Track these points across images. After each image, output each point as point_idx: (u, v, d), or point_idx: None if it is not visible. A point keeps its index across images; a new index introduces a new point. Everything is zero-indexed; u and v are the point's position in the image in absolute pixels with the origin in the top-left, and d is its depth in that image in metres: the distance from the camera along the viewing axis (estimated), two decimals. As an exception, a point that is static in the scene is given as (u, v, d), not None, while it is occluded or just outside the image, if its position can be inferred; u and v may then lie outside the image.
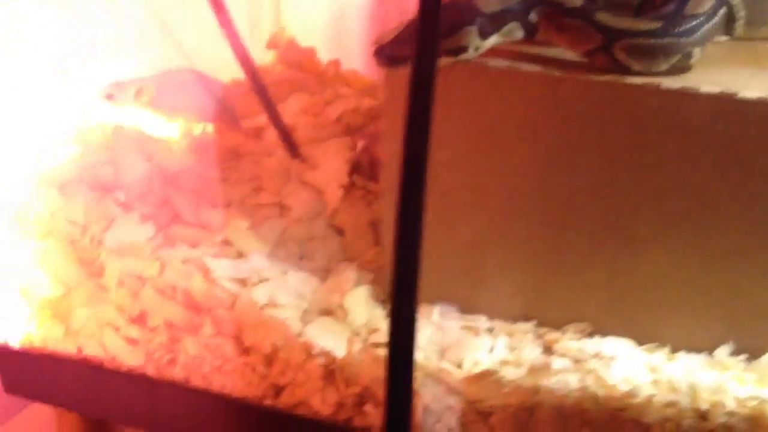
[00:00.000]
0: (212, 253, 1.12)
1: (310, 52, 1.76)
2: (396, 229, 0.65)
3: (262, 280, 1.10)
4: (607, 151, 0.95)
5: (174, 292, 1.08)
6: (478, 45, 0.94)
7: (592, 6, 0.94)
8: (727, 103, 0.87)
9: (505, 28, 0.95)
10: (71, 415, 1.35)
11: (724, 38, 1.02)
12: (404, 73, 1.03)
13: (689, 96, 0.88)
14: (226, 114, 1.41)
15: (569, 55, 0.97)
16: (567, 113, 0.95)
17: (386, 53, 0.96)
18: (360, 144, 1.33)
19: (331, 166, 1.28)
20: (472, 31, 0.93)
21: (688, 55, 0.92)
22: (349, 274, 1.14)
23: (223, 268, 1.08)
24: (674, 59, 0.91)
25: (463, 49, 0.94)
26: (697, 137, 0.90)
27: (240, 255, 1.15)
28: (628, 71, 0.92)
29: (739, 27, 1.00)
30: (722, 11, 0.96)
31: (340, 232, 1.22)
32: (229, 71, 1.66)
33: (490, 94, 0.98)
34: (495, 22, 0.94)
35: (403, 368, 0.66)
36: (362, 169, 1.30)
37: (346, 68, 1.75)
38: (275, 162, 1.32)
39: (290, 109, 1.53)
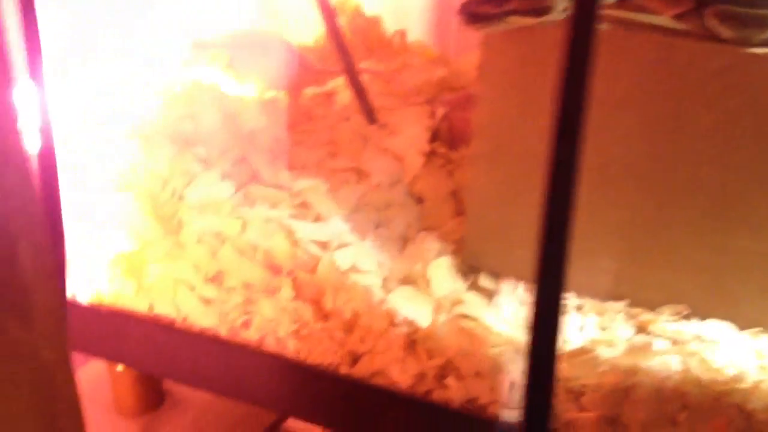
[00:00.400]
0: (292, 215, 1.08)
1: (376, 21, 1.73)
2: (546, 206, 0.61)
3: (343, 245, 1.07)
4: (722, 121, 0.90)
5: (254, 252, 1.04)
6: (566, 5, 0.89)
7: None
8: None
9: None
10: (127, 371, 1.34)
11: None
12: (502, 35, 1.01)
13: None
14: (301, 76, 1.38)
15: (658, 20, 0.92)
16: (682, 80, 0.90)
17: (470, 11, 0.92)
18: (440, 112, 1.29)
19: (410, 133, 1.24)
20: None
21: None
22: (431, 243, 1.11)
23: (305, 230, 1.05)
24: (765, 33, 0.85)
25: (547, 10, 0.89)
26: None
27: (318, 218, 1.12)
28: (717, 38, 0.87)
29: None
30: None
31: (419, 200, 1.18)
32: (304, 35, 1.64)
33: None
34: None
35: (544, 361, 0.62)
36: (442, 137, 1.26)
37: (411, 40, 1.72)
38: (352, 127, 1.28)
39: (361, 77, 1.49)
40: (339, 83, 1.42)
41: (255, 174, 1.14)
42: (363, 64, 1.54)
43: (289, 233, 1.04)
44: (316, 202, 1.12)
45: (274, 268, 1.04)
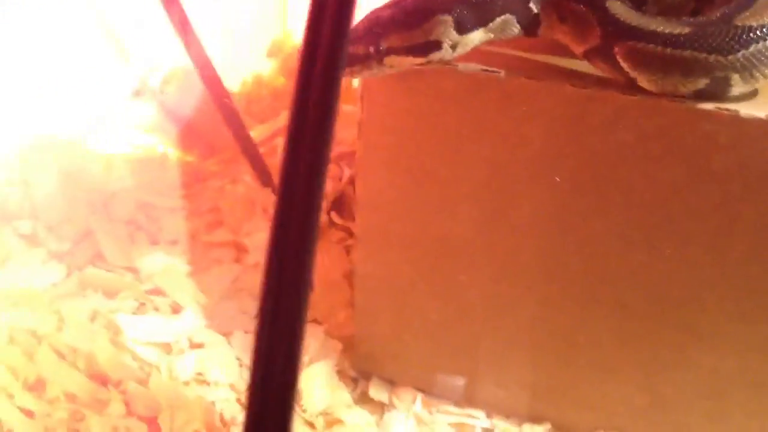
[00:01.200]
0: (134, 307, 0.86)
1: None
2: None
3: (193, 346, 0.84)
4: (655, 198, 0.67)
5: (75, 355, 0.82)
6: (456, 41, 0.68)
7: None
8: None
9: (496, 21, 0.68)
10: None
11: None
12: (381, 82, 0.79)
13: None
14: (200, 132, 1.17)
15: (570, 63, 0.70)
16: (603, 142, 0.68)
17: None
18: (346, 173, 1.08)
19: (305, 199, 1.02)
20: (446, 21, 0.67)
21: (724, 81, 0.62)
22: (313, 341, 0.89)
23: (140, 329, 0.83)
24: (700, 83, 0.62)
25: (435, 46, 0.68)
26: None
27: (176, 309, 0.90)
28: (632, 85, 0.65)
29: None
30: None
31: (307, 284, 0.96)
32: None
33: (482, 113, 0.71)
34: (481, 11, 0.68)
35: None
36: (345, 205, 1.04)
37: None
38: (241, 191, 1.07)
39: (281, 126, 1.29)
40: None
41: (100, 252, 0.93)
42: (287, 113, 1.33)
43: (116, 333, 0.82)
44: (171, 289, 0.90)
45: (101, 378, 0.82)
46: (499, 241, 0.76)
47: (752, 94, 0.65)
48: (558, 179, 0.71)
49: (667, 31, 0.63)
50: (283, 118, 1.32)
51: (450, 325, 0.82)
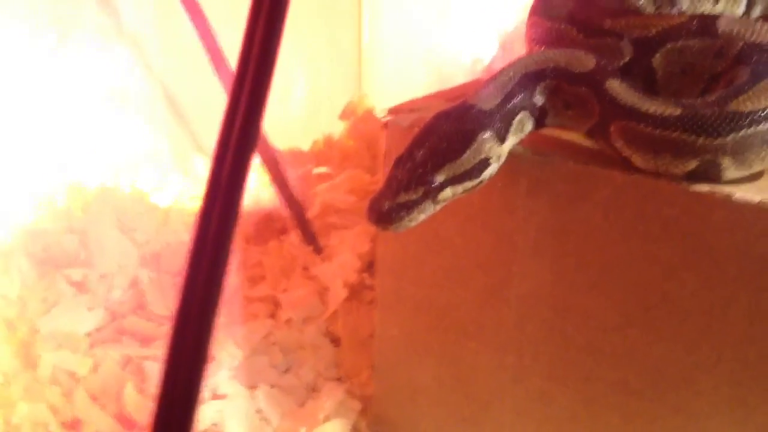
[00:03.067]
0: (166, 355, 0.91)
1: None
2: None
3: (215, 397, 0.88)
4: (654, 276, 0.67)
5: (106, 398, 0.87)
6: (499, 153, 0.68)
7: (608, 69, 0.68)
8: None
9: (515, 122, 0.68)
10: None
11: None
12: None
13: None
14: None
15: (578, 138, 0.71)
16: (598, 217, 0.68)
17: (377, 214, 0.66)
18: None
19: (341, 259, 1.06)
20: (488, 137, 0.66)
21: (713, 164, 0.62)
22: (336, 397, 0.91)
23: (167, 376, 0.87)
24: (690, 164, 0.62)
25: (485, 164, 0.66)
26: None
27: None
28: (628, 164, 0.65)
29: None
30: None
31: (336, 342, 0.99)
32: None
33: (491, 184, 0.73)
34: (506, 118, 0.68)
35: None
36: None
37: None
38: (285, 248, 1.11)
39: (341, 188, 1.33)
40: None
41: (143, 302, 0.98)
42: (347, 174, 1.38)
43: (143, 379, 0.86)
44: (205, 340, 0.94)
45: (128, 422, 0.87)
46: (506, 311, 0.77)
47: (754, 177, 0.65)
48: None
49: (659, 112, 0.63)
50: (341, 181, 1.37)
51: (461, 391, 0.83)
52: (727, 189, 0.62)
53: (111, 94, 1.22)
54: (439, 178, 0.65)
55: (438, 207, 0.66)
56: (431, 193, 0.65)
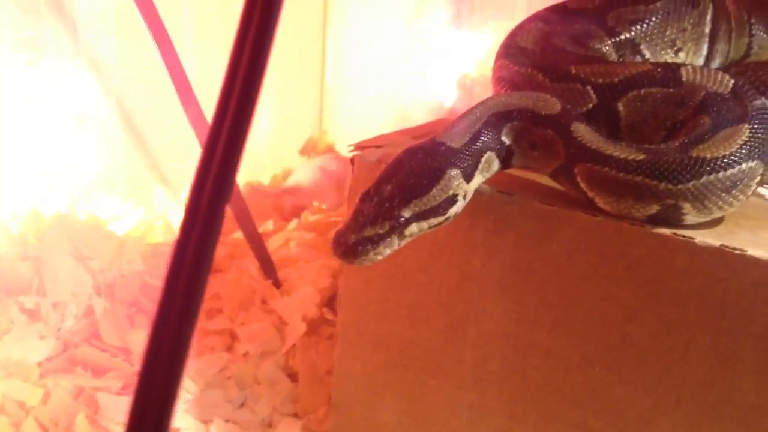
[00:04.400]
0: (119, 387, 0.89)
1: (347, 163, 1.58)
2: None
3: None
4: (616, 317, 0.68)
5: (57, 429, 0.85)
6: (466, 190, 0.68)
7: (574, 114, 0.70)
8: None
9: (482, 161, 0.69)
10: None
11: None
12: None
13: (731, 257, 0.61)
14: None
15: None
16: (561, 257, 0.69)
17: (342, 248, 0.65)
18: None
19: (301, 293, 1.05)
20: (456, 174, 0.67)
21: (675, 209, 0.64)
22: (291, 434, 0.90)
23: (119, 409, 0.85)
24: (652, 208, 0.64)
25: (452, 201, 0.67)
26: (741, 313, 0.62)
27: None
28: (592, 205, 0.67)
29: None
30: (753, 164, 0.65)
31: (293, 377, 0.98)
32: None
33: (456, 222, 0.73)
34: (472, 156, 0.69)
35: None
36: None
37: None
38: (243, 280, 1.10)
39: (303, 222, 1.33)
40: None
41: (97, 332, 0.96)
42: (310, 210, 1.38)
43: (95, 410, 0.84)
44: (159, 372, 0.92)
45: (77, 453, 0.84)
46: (467, 349, 0.77)
47: (714, 223, 0.67)
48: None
49: (622, 156, 0.65)
50: (304, 215, 1.37)
51: (420, 428, 0.83)
52: (688, 233, 0.64)
53: (70, 121, 1.21)
54: (406, 214, 0.65)
55: (404, 242, 0.66)
56: (397, 228, 0.65)
